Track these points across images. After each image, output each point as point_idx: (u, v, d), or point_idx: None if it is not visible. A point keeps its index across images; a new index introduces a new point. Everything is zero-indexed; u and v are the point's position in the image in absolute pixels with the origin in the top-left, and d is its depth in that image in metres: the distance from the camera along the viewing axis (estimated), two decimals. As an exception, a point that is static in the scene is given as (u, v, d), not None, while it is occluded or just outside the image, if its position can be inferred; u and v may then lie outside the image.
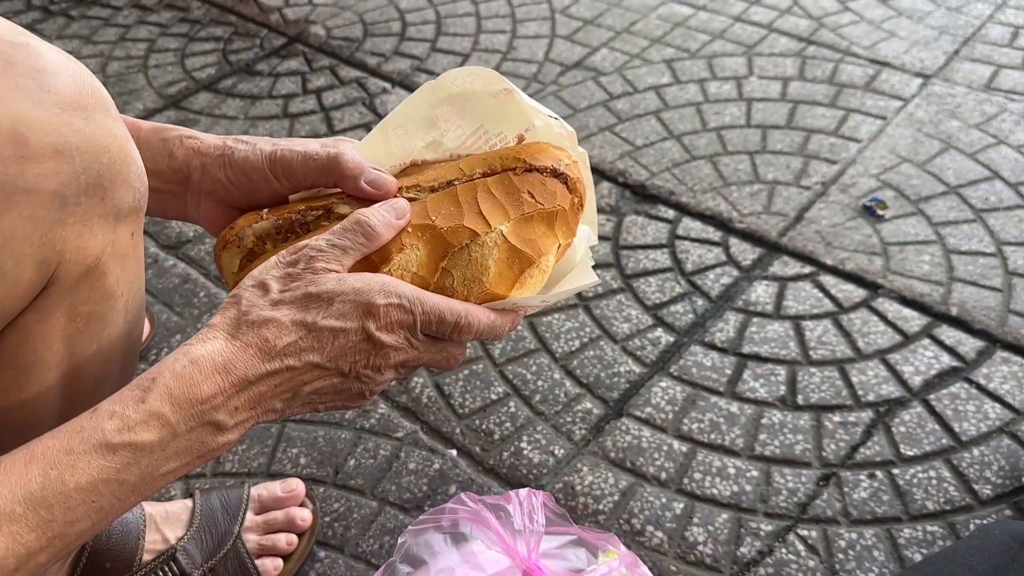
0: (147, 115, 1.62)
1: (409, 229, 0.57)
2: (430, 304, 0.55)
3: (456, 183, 0.59)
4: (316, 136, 1.54)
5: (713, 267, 1.24)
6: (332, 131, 1.56)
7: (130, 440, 0.47)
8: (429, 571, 0.72)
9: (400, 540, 0.72)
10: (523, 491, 0.72)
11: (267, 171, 0.61)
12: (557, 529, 0.76)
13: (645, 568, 0.74)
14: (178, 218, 0.68)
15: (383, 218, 0.56)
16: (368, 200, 0.60)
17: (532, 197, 0.58)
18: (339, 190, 0.62)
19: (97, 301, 0.57)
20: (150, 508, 0.90)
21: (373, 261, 0.56)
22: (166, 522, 0.89)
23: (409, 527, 0.73)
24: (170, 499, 1.00)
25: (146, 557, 0.86)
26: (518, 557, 0.70)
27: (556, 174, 0.59)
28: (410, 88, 1.64)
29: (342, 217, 0.59)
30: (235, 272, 0.60)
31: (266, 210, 0.62)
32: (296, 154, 0.61)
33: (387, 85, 1.65)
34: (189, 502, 0.92)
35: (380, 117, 1.58)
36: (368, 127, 1.56)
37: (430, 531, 0.73)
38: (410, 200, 0.59)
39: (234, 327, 0.52)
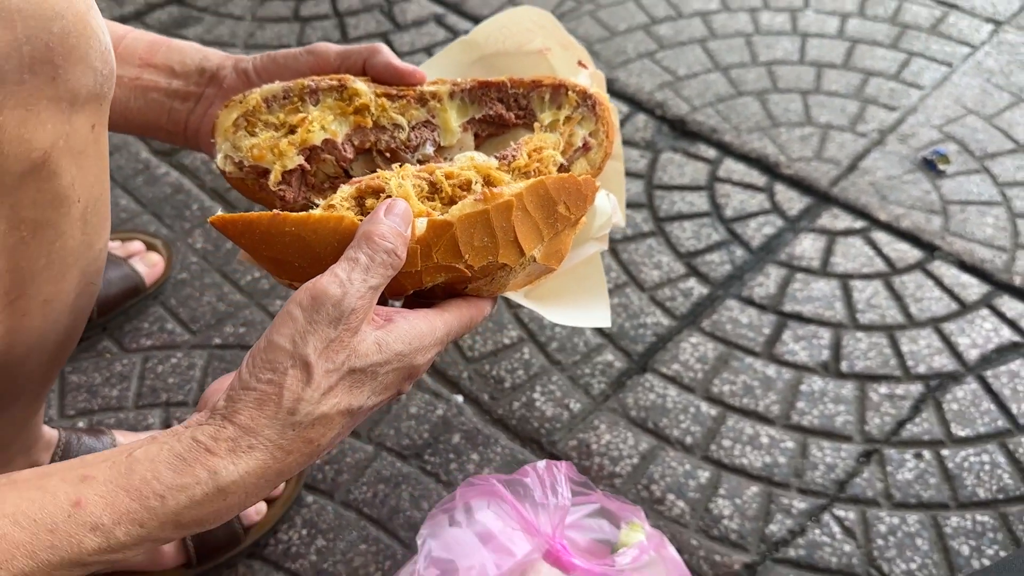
0: (147, 10, 1.49)
1: (433, 263, 0.49)
2: (455, 331, 0.52)
3: (473, 91, 0.59)
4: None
5: (755, 215, 1.13)
6: (346, 39, 1.43)
7: (110, 559, 0.42)
8: (458, 571, 0.63)
9: (419, 541, 0.64)
10: (541, 464, 0.63)
11: (298, 53, 0.59)
12: (578, 499, 0.67)
13: (672, 549, 0.66)
14: (171, 138, 0.61)
15: (394, 230, 0.47)
16: (386, 81, 0.58)
17: (567, 209, 0.52)
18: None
19: (45, 206, 0.47)
20: (122, 437, 0.81)
21: (391, 287, 0.51)
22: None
23: (425, 524, 0.64)
24: (147, 428, 0.92)
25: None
26: (539, 535, 0.61)
27: (586, 97, 0.57)
28: (434, -2, 1.51)
29: (356, 94, 0.57)
30: (227, 128, 0.57)
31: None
32: (332, 45, 0.60)
33: (409, -7, 1.52)
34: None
35: (398, 26, 1.45)
36: (385, 36, 1.43)
37: (444, 526, 0.64)
38: (428, 185, 0.52)
39: (279, 431, 0.44)
